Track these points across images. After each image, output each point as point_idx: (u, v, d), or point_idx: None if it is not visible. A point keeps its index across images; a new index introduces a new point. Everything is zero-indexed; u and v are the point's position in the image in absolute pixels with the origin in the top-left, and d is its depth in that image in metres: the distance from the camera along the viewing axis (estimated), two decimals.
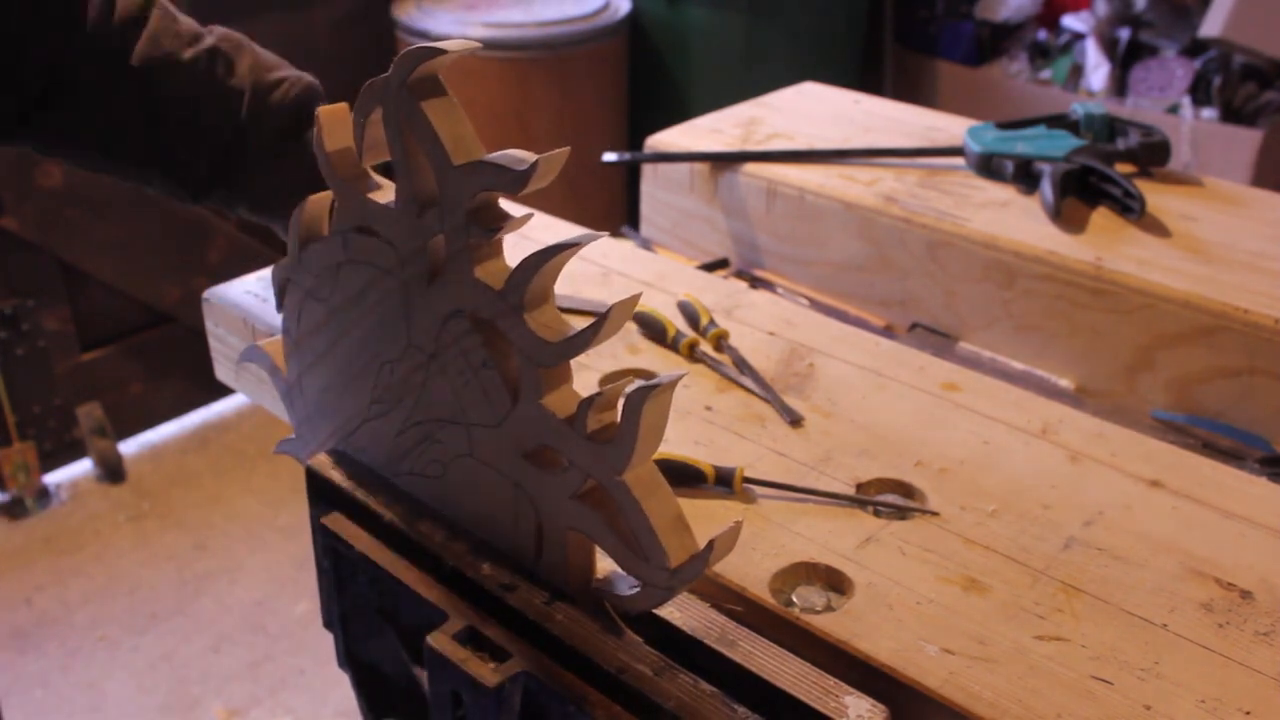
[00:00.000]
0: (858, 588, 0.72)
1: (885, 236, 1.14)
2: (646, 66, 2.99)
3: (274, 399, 0.84)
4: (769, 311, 1.02)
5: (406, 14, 2.79)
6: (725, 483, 0.79)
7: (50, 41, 0.83)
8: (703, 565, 0.60)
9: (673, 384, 0.59)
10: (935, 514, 0.77)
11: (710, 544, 0.59)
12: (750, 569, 0.73)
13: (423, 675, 0.69)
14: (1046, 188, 1.12)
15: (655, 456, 0.61)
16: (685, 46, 2.93)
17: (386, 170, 0.66)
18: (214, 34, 0.90)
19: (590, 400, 0.60)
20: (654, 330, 0.97)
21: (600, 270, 1.06)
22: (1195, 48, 2.96)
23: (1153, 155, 1.20)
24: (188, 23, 0.90)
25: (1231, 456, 0.95)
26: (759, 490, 0.79)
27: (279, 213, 0.89)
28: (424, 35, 2.70)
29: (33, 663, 2.21)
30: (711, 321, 0.98)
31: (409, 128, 0.62)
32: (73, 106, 0.86)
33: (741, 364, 0.94)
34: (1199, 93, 2.92)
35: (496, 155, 0.60)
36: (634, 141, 2.95)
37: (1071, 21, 3.17)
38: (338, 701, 2.14)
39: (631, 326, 0.99)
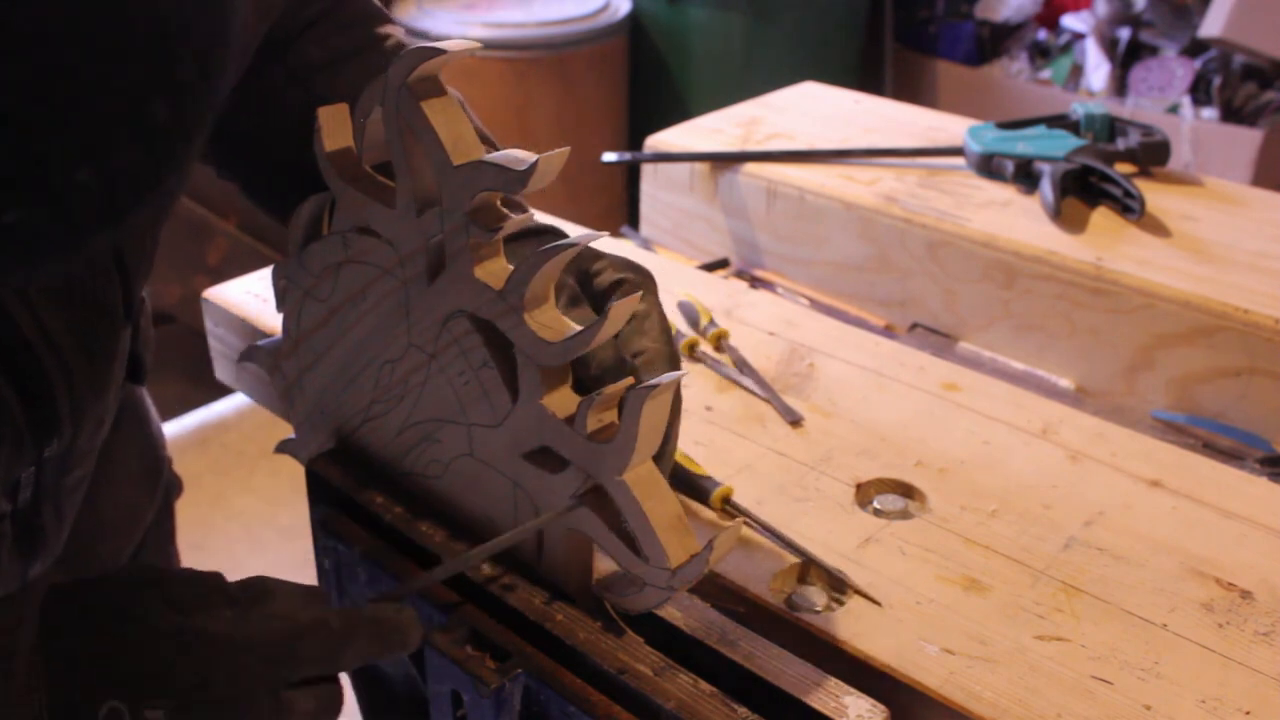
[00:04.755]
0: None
1: (885, 236, 1.14)
2: (646, 66, 2.99)
3: (274, 399, 0.84)
4: (769, 311, 1.02)
5: (406, 14, 2.79)
6: (702, 498, 0.78)
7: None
8: (703, 565, 0.60)
9: (673, 384, 0.59)
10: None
11: (710, 544, 0.59)
12: (750, 569, 0.73)
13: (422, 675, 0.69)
14: (1046, 188, 1.12)
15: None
16: (685, 46, 2.93)
17: (386, 170, 0.66)
18: None
19: (590, 400, 0.60)
20: None
21: None
22: (1195, 48, 2.96)
23: (1153, 155, 1.20)
24: None
25: (1231, 456, 0.95)
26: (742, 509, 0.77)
27: None
28: (424, 35, 2.70)
29: None
30: (711, 321, 0.98)
31: (409, 128, 0.62)
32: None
33: (741, 364, 0.94)
34: (1199, 93, 2.92)
35: (496, 155, 0.60)
36: (634, 141, 2.95)
37: (1071, 21, 3.17)
38: None
39: None
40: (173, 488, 1.01)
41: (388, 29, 0.79)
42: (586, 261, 0.70)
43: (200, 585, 0.59)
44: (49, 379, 0.66)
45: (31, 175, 0.40)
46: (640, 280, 0.69)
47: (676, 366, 0.68)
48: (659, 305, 0.70)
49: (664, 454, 0.67)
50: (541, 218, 1.13)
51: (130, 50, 0.40)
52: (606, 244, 0.71)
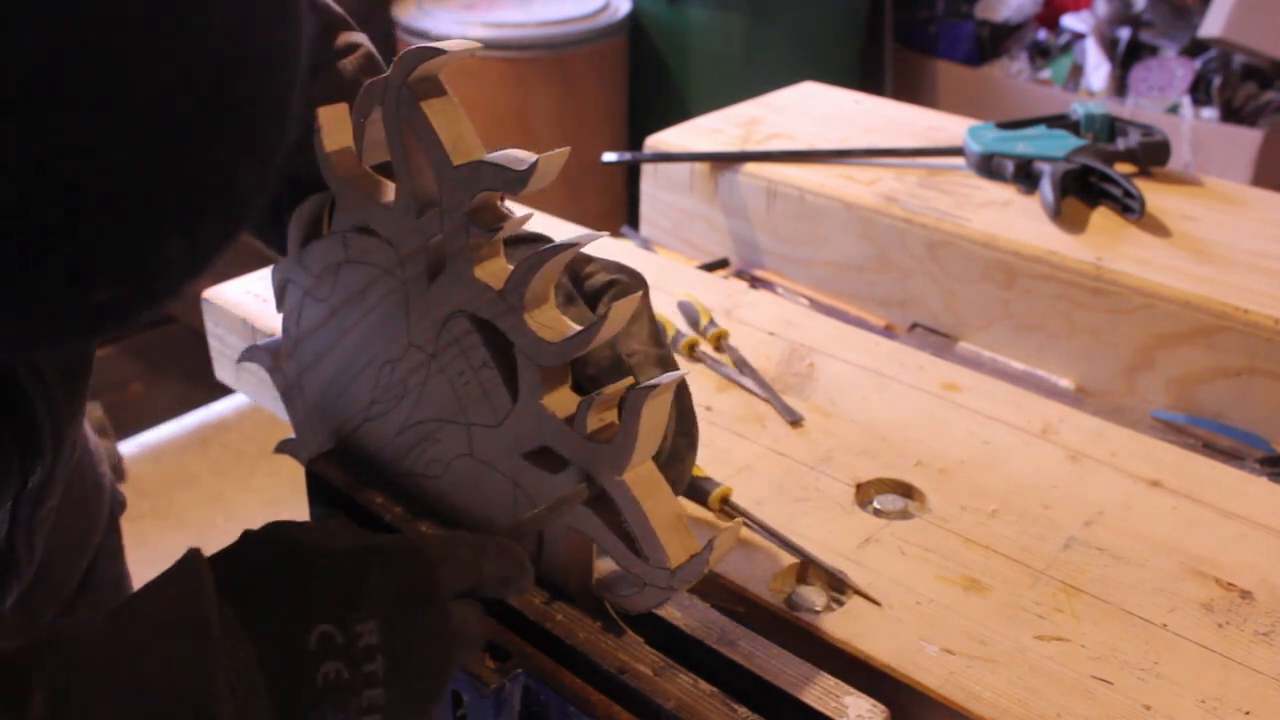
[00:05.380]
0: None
1: (885, 236, 1.14)
2: (646, 66, 2.99)
3: (274, 399, 0.84)
4: (769, 311, 1.02)
5: (406, 14, 2.79)
6: (701, 498, 0.78)
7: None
8: (703, 565, 0.60)
9: (673, 384, 0.59)
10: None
11: (710, 544, 0.59)
12: (750, 569, 0.73)
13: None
14: (1046, 187, 1.12)
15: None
16: (685, 46, 2.93)
17: (386, 170, 0.66)
18: None
19: (590, 400, 0.60)
20: None
21: None
22: (1195, 48, 2.96)
23: (1153, 155, 1.20)
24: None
25: (1231, 456, 0.95)
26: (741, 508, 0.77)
27: None
28: (424, 35, 2.70)
29: None
30: (711, 321, 0.98)
31: (409, 128, 0.62)
32: None
33: (741, 364, 0.94)
34: (1199, 93, 2.92)
35: (496, 155, 0.60)
36: (634, 141, 2.95)
37: (1071, 21, 3.16)
38: None
39: None
40: (118, 505, 0.99)
41: (354, 38, 0.78)
42: (578, 264, 0.70)
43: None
44: (33, 404, 0.64)
45: (126, 254, 0.40)
46: (632, 282, 0.69)
47: (667, 368, 0.68)
48: (650, 308, 0.70)
49: (685, 460, 0.67)
50: (541, 217, 1.13)
51: (224, 126, 0.40)
52: (606, 244, 0.71)
